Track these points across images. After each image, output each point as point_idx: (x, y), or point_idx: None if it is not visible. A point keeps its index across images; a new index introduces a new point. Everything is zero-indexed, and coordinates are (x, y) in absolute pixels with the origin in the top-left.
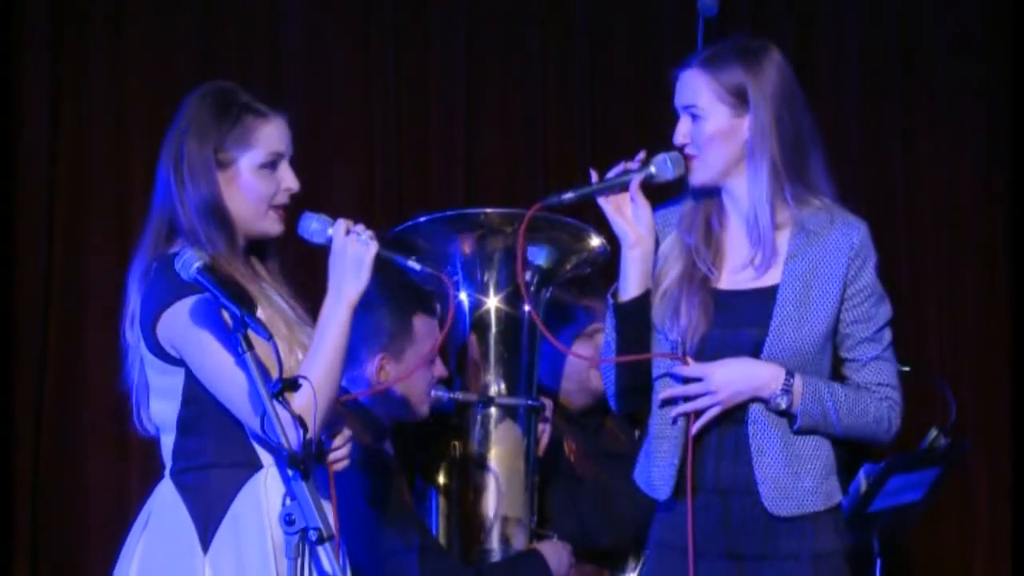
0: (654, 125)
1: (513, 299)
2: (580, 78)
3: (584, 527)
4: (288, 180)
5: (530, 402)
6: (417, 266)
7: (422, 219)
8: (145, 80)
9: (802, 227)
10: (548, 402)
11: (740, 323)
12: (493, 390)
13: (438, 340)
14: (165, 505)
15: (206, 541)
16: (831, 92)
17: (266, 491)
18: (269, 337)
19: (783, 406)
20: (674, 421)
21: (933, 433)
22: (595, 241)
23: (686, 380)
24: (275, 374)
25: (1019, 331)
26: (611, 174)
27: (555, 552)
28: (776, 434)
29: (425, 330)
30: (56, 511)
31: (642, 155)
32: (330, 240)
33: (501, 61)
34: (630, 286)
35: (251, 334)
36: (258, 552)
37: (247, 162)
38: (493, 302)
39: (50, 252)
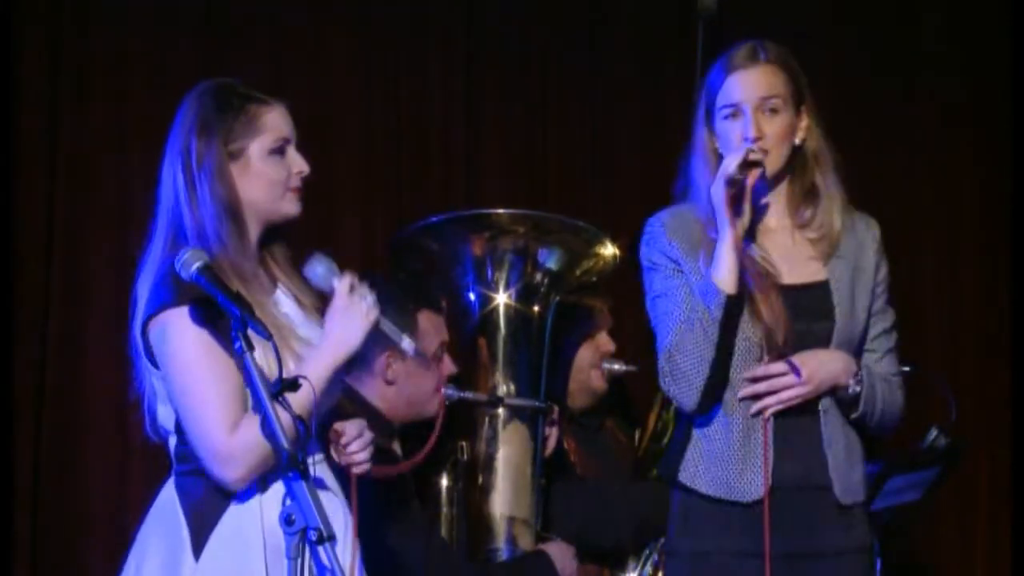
0: (654, 126)
1: (523, 299)
2: (580, 79)
3: (584, 527)
4: (299, 163)
5: (539, 404)
6: (410, 348)
7: (433, 219)
8: (145, 80)
9: (830, 234)
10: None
11: (810, 317)
12: (502, 390)
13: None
14: (164, 507)
15: (199, 549)
16: (831, 93)
17: (260, 501)
18: (269, 337)
19: (858, 391)
20: (755, 415)
21: (933, 433)
22: (608, 249)
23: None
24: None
25: (1019, 331)
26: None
27: (561, 553)
28: (841, 424)
29: (431, 326)
30: (56, 511)
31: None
32: (332, 290)
33: (501, 62)
34: (734, 279)
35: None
36: (251, 561)
37: (257, 149)
38: (503, 301)
39: (50, 252)
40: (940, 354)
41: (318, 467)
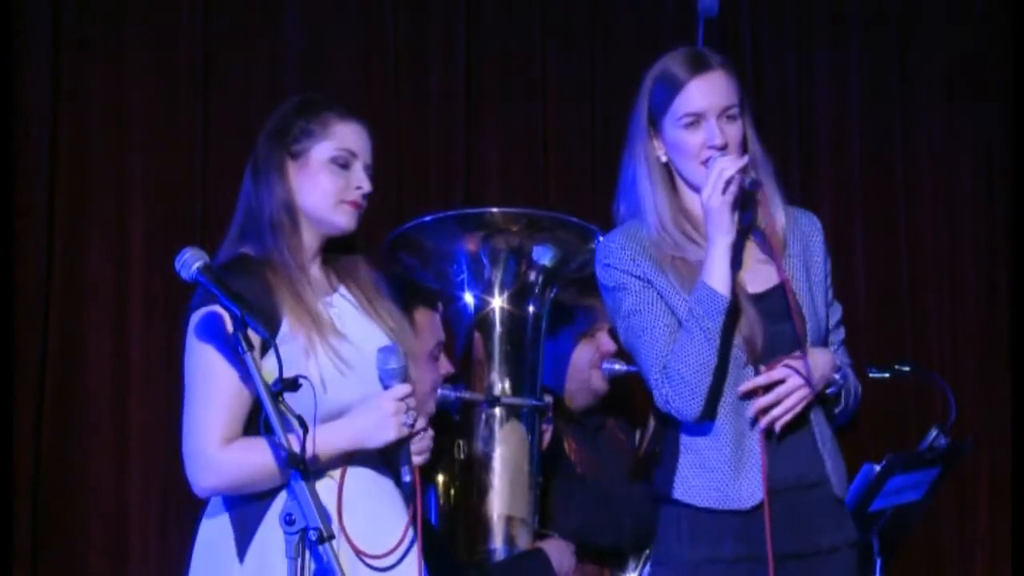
0: None
1: (519, 297)
2: (580, 79)
3: (584, 526)
4: (360, 179)
5: (535, 402)
6: (408, 477)
7: (427, 218)
8: (145, 80)
9: (776, 231)
10: (549, 398)
11: (776, 319)
12: (498, 389)
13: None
14: (213, 515)
15: (242, 551)
16: (831, 92)
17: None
18: (268, 337)
19: (841, 385)
20: (752, 424)
21: (933, 433)
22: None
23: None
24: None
25: (1019, 331)
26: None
27: (558, 551)
28: (825, 419)
29: (427, 326)
30: (56, 511)
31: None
32: (386, 385)
33: (501, 61)
34: (729, 284)
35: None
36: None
37: (318, 153)
38: (498, 302)
39: (50, 252)
40: (940, 354)
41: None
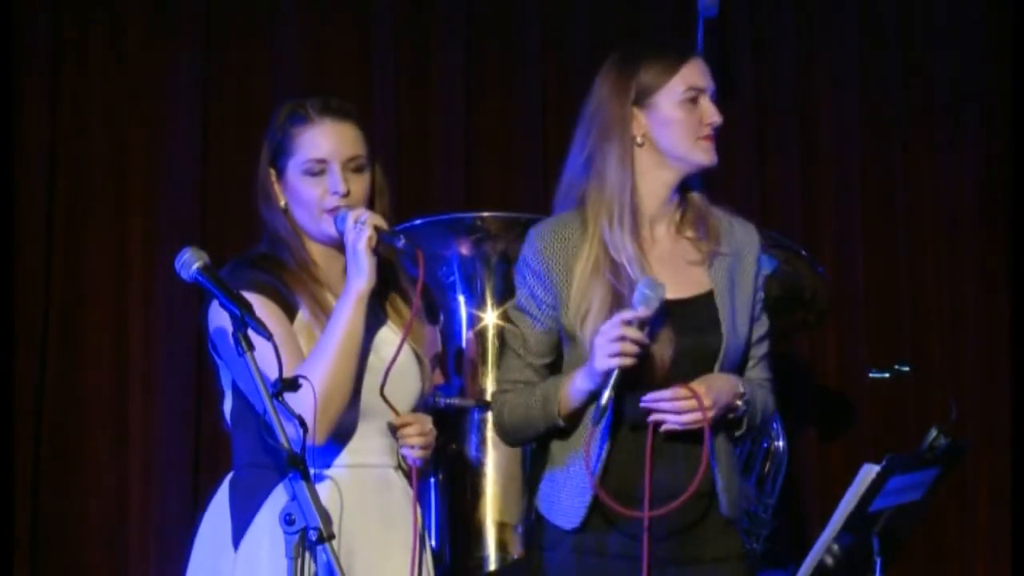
0: None
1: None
2: (580, 78)
3: None
4: (334, 184)
5: None
6: (400, 243)
7: (418, 222)
8: (145, 80)
9: (714, 228)
10: None
11: (698, 332)
12: (491, 395)
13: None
14: (218, 502)
15: (237, 540)
16: (831, 92)
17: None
18: (268, 337)
19: (745, 411)
20: (657, 426)
21: (933, 433)
22: None
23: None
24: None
25: (1019, 331)
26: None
27: None
28: (725, 439)
29: (428, 339)
30: (56, 511)
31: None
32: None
33: (501, 61)
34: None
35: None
36: (279, 555)
37: (291, 169)
38: (489, 306)
39: (50, 252)
40: (940, 354)
41: (389, 472)
